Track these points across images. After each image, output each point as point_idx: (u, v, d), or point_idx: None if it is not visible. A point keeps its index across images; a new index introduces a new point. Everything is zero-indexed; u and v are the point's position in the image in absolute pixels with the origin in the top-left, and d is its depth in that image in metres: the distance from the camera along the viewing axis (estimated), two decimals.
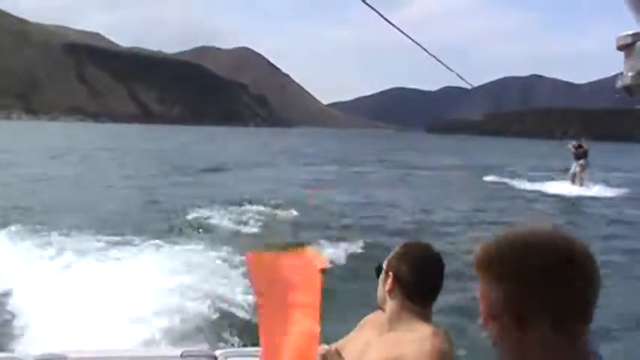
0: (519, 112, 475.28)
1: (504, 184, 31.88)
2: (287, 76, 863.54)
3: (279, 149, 64.88)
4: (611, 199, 26.60)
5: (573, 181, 28.84)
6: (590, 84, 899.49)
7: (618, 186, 29.78)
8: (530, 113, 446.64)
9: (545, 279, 1.39)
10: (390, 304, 2.77)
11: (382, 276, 2.81)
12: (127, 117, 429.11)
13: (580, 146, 29.38)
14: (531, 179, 32.33)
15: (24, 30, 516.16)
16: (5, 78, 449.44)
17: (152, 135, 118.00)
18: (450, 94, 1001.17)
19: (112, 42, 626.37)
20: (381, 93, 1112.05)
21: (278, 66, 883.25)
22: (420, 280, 2.73)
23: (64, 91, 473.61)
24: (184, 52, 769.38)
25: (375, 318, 2.97)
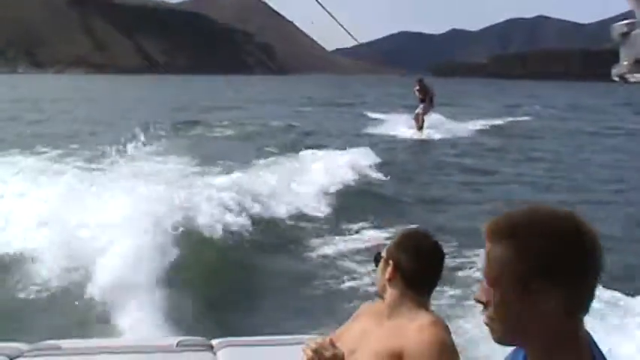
0: (522, 55, 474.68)
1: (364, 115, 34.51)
2: (291, 23, 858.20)
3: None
4: (436, 143, 26.72)
5: (417, 124, 27.79)
6: (597, 23, 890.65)
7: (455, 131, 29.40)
8: (532, 55, 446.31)
9: (570, 252, 1.40)
10: (390, 293, 2.76)
11: (381, 264, 2.81)
12: (132, 68, 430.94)
13: (424, 90, 27.97)
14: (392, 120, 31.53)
15: None
16: (10, 32, 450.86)
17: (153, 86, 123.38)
18: (456, 37, 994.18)
19: None
20: (385, 38, 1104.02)
21: (282, 13, 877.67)
22: (420, 268, 2.71)
23: (68, 44, 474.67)
24: (186, 2, 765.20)
25: (371, 307, 2.98)
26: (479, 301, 1.46)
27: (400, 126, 28.87)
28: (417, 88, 27.94)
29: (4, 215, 12.09)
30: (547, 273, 1.38)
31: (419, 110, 27.73)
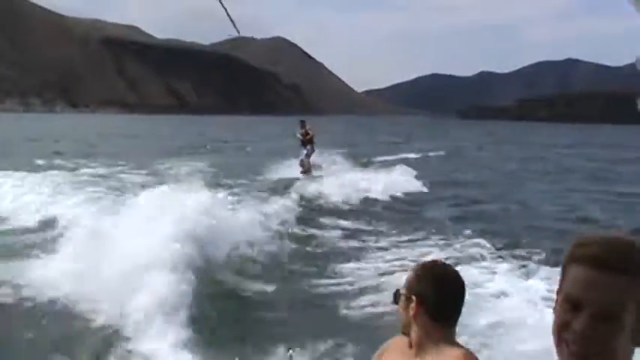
0: (548, 97, 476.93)
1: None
2: (321, 64, 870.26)
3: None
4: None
5: (302, 167, 26.47)
6: (628, 66, 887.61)
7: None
8: (559, 98, 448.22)
9: None
10: (416, 329, 2.69)
11: (403, 301, 2.74)
12: (163, 108, 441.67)
13: (307, 133, 27.08)
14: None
15: (63, 25, 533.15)
16: (49, 73, 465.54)
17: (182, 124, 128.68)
18: (485, 79, 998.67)
19: (147, 34, 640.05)
20: (416, 79, 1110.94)
21: (312, 55, 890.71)
22: (445, 301, 2.66)
23: (102, 84, 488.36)
24: (219, 43, 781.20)
25: (396, 343, 2.88)
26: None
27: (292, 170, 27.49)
28: (302, 131, 27.09)
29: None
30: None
31: (302, 157, 26.76)
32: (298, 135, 27.25)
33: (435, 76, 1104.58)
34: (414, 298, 2.67)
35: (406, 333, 2.78)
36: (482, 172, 37.26)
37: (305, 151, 26.76)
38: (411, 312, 2.67)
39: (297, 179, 25.18)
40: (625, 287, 1.42)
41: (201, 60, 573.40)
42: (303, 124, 27.49)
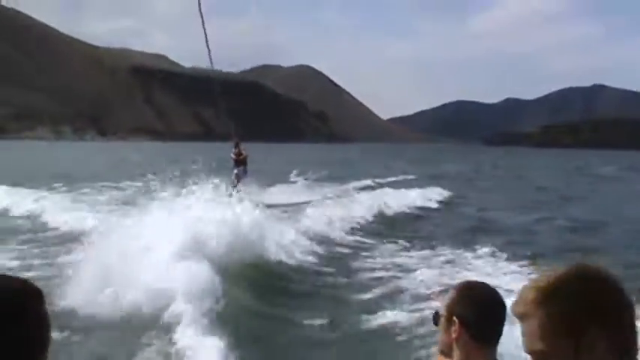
0: (573, 124, 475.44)
1: None
2: (346, 92, 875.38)
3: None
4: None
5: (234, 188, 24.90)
6: None
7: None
8: (584, 124, 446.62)
9: None
10: (459, 352, 2.66)
11: (443, 323, 2.71)
12: (189, 135, 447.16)
13: (240, 153, 27.20)
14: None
15: (94, 55, 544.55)
16: (78, 103, 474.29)
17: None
18: (511, 105, 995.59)
19: (174, 63, 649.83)
20: (442, 106, 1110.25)
21: (338, 82, 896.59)
22: (487, 323, 2.63)
23: (131, 113, 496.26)
24: (246, 71, 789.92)
25: None
26: None
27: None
28: (235, 151, 27.14)
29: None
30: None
31: (233, 176, 26.27)
32: (232, 155, 27.30)
33: (460, 103, 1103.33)
34: (455, 319, 2.64)
35: (446, 354, 2.75)
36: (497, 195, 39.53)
37: (235, 171, 26.61)
38: (454, 334, 2.64)
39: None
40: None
41: (228, 88, 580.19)
42: (237, 144, 27.52)
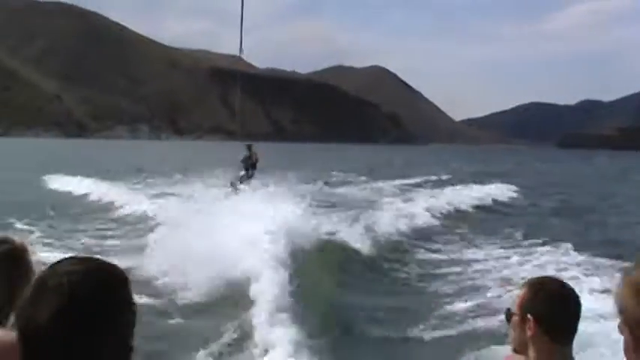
0: None
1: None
2: (419, 93, 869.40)
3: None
4: None
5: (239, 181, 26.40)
6: None
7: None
8: None
9: None
10: (535, 349, 2.60)
11: (517, 320, 2.66)
12: (261, 135, 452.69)
13: (250, 156, 27.38)
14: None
15: (173, 57, 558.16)
16: (156, 103, 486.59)
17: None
18: (587, 107, 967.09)
19: (250, 64, 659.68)
20: (516, 108, 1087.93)
21: (410, 83, 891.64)
22: (564, 320, 2.59)
23: (207, 113, 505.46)
24: (318, 72, 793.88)
25: None
26: None
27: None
28: (248, 154, 27.34)
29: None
30: None
31: (241, 175, 26.98)
32: (243, 156, 27.53)
33: (535, 105, 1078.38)
34: (530, 317, 2.59)
35: (520, 351, 2.70)
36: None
37: (243, 172, 26.87)
38: (529, 332, 2.59)
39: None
40: None
41: (299, 89, 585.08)
42: (249, 147, 27.60)
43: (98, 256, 1.62)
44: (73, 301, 1.52)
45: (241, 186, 24.84)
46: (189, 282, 12.58)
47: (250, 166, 26.84)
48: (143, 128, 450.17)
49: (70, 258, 1.65)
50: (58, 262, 1.63)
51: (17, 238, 2.73)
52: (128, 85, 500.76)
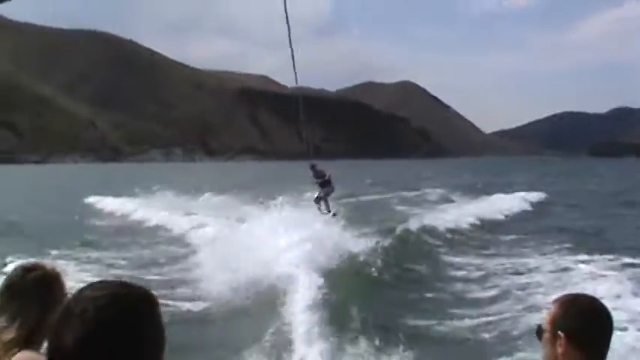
0: None
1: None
2: (448, 107, 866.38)
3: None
4: None
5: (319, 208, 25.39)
6: None
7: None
8: None
9: None
10: None
11: (548, 337, 2.64)
12: (293, 155, 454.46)
13: (321, 174, 26.15)
14: None
15: (199, 79, 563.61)
16: (187, 126, 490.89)
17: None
18: (620, 115, 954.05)
19: (278, 83, 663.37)
20: (548, 118, 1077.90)
21: (439, 98, 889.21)
22: (596, 337, 2.55)
23: (237, 134, 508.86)
24: (347, 89, 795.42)
25: None
26: None
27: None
28: (313, 174, 26.30)
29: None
30: None
31: (319, 194, 25.99)
32: (311, 175, 26.51)
33: (566, 114, 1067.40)
34: (561, 334, 2.56)
35: None
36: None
37: (318, 193, 25.96)
38: (560, 349, 2.56)
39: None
40: None
41: (328, 106, 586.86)
42: (313, 167, 26.58)
43: (127, 279, 1.61)
44: (99, 327, 1.53)
45: (323, 206, 24.85)
46: (229, 289, 13.45)
47: (325, 184, 26.04)
48: (176, 151, 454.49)
49: (98, 282, 1.66)
50: (85, 286, 1.64)
51: (48, 264, 2.80)
52: (159, 109, 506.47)
